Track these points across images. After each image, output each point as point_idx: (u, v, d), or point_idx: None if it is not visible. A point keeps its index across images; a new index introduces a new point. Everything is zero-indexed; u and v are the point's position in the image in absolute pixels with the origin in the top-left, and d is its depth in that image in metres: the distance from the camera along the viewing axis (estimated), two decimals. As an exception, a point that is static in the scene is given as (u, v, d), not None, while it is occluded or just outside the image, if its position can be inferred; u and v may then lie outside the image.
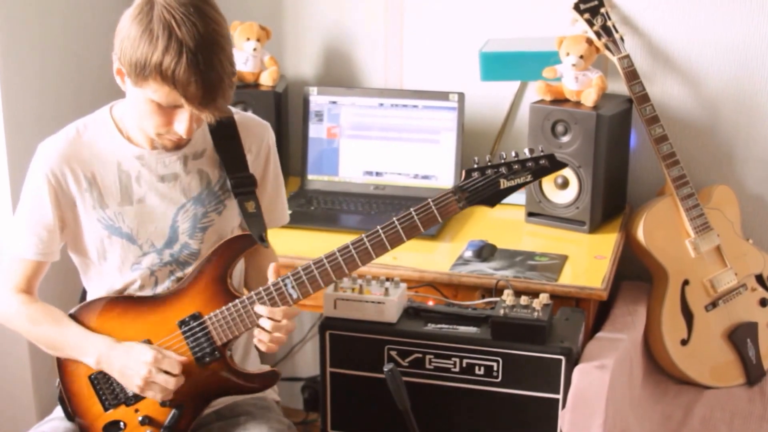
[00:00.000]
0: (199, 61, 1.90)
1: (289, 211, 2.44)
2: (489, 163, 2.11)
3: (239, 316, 2.12)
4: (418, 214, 2.08)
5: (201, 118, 2.01)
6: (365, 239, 2.09)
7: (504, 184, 2.10)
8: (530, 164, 2.11)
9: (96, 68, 3.14)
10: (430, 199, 2.09)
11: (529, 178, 2.11)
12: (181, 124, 2.01)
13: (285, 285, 2.10)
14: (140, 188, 2.17)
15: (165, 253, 2.20)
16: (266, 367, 2.40)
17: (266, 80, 3.22)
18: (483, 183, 2.09)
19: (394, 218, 2.09)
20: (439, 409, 2.41)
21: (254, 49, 3.20)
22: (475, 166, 2.11)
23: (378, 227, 2.09)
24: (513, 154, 2.11)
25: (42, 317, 2.20)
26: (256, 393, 2.29)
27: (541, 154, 2.12)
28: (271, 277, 2.11)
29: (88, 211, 2.16)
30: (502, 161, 2.11)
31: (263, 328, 2.09)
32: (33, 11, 2.94)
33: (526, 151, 2.12)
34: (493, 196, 2.11)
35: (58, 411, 2.30)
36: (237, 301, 2.13)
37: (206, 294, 2.15)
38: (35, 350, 2.29)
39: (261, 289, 2.11)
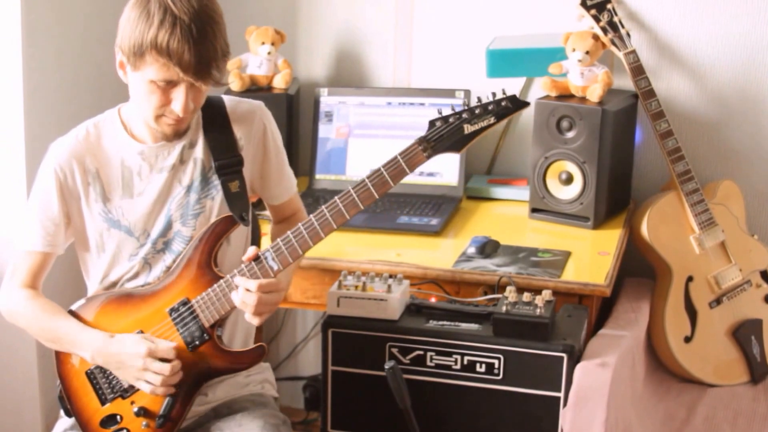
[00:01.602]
0: (192, 30, 2.00)
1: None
2: (451, 111, 2.12)
3: (224, 295, 2.15)
4: (387, 169, 2.10)
5: (198, 94, 2.10)
6: (338, 200, 2.12)
7: (468, 129, 2.10)
8: (492, 107, 2.10)
9: (115, 70, 3.15)
10: (397, 153, 2.10)
11: (492, 120, 2.10)
12: (177, 101, 2.08)
13: (266, 258, 2.14)
14: (141, 182, 2.23)
15: (159, 242, 2.24)
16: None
17: (279, 83, 3.23)
18: (447, 130, 2.10)
19: (365, 177, 2.11)
20: (440, 407, 2.40)
21: (268, 53, 3.21)
22: (439, 116, 2.12)
23: (349, 187, 2.12)
24: (476, 99, 2.12)
25: (42, 312, 2.25)
26: (244, 370, 2.33)
27: (503, 96, 2.11)
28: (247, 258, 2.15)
29: (90, 204, 2.23)
30: (465, 107, 2.11)
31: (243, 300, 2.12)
32: (54, 15, 2.97)
33: (489, 94, 2.12)
34: (457, 142, 2.11)
35: (61, 424, 2.34)
36: (221, 281, 2.16)
37: (194, 279, 2.19)
38: (43, 349, 2.32)
39: (243, 265, 2.15)
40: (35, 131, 2.92)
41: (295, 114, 3.28)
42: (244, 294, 2.11)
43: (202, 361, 2.20)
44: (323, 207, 2.13)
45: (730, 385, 2.83)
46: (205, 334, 2.18)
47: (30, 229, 2.24)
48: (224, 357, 2.21)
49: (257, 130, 2.30)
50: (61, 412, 2.33)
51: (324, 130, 3.25)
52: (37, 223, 2.23)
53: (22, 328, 2.31)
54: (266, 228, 2.46)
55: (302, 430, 3.51)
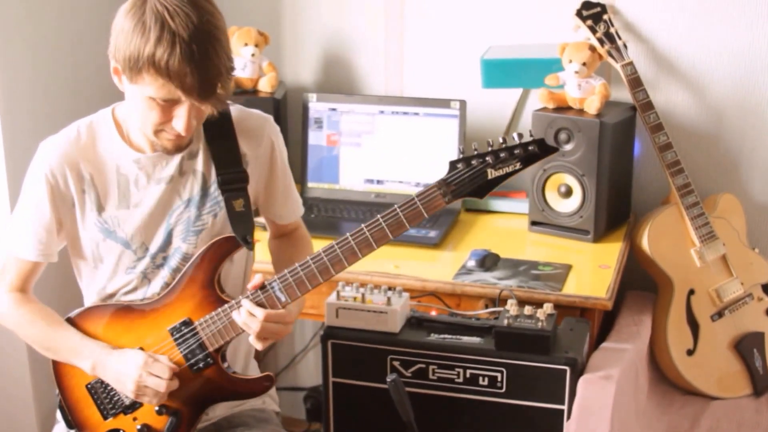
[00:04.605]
0: (194, 52, 1.87)
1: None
2: (475, 152, 1.99)
3: (228, 320, 2.09)
4: (403, 211, 2.00)
5: (200, 112, 1.98)
6: (350, 238, 2.02)
7: (492, 174, 1.97)
8: (518, 151, 1.97)
9: (91, 66, 3.12)
10: (414, 194, 2.00)
11: (518, 166, 1.97)
12: (179, 120, 1.96)
13: (272, 288, 2.06)
14: (138, 192, 2.14)
15: (158, 257, 2.17)
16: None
17: (265, 86, 3.19)
18: (469, 174, 1.98)
19: (379, 216, 2.01)
20: (442, 420, 2.39)
21: (252, 55, 3.17)
22: (460, 156, 2.00)
23: (363, 225, 2.02)
24: (500, 140, 1.98)
25: (37, 318, 2.19)
26: (250, 398, 2.27)
27: (530, 139, 1.98)
28: (253, 286, 2.08)
29: (85, 213, 2.14)
30: (489, 150, 1.98)
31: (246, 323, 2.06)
32: (26, 10, 2.91)
33: (515, 136, 1.99)
34: (480, 188, 1.99)
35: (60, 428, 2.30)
36: (226, 305, 2.09)
37: (195, 299, 2.12)
38: (35, 353, 2.27)
39: (249, 293, 2.08)
40: (12, 130, 2.85)
41: (283, 119, 3.24)
42: (247, 317, 2.05)
43: (205, 384, 2.14)
44: (334, 243, 2.03)
45: (733, 397, 2.83)
46: (209, 358, 2.12)
47: (22, 235, 2.16)
48: (230, 383, 2.15)
49: (265, 149, 2.21)
50: (58, 415, 2.27)
51: (314, 136, 3.22)
52: (29, 230, 2.15)
53: (11, 330, 2.25)
54: (258, 235, 2.37)
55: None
